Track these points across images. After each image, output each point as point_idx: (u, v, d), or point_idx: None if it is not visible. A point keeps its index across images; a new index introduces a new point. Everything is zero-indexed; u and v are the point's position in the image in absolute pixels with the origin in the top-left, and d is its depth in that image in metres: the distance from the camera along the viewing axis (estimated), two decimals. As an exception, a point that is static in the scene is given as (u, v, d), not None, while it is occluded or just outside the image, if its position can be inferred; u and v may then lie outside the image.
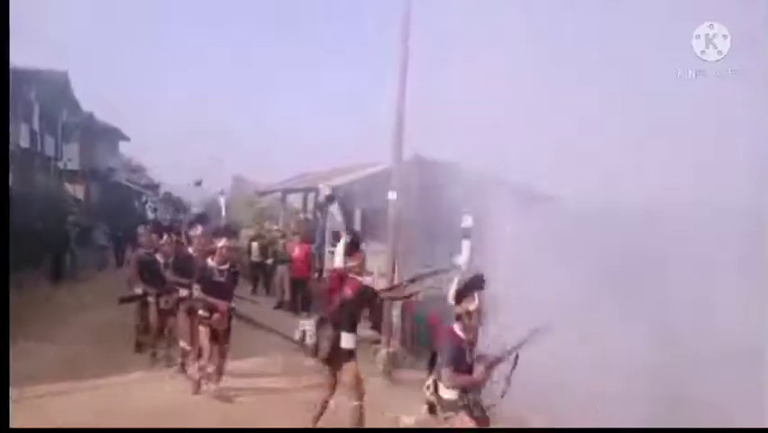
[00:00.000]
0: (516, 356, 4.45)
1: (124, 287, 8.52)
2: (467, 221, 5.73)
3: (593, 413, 6.00)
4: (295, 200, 20.13)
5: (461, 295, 4.50)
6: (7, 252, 6.46)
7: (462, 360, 4.33)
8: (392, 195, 9.59)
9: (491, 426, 4.47)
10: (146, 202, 30.99)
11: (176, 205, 33.46)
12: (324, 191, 7.34)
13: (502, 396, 4.53)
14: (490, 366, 4.43)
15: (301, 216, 18.22)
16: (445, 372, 4.23)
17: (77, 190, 24.64)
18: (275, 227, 17.22)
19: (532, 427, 6.33)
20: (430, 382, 4.48)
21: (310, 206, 17.99)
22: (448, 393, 4.34)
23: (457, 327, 4.43)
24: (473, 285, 4.51)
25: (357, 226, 14.73)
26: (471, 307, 4.39)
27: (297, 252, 13.15)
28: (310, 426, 5.36)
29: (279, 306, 13.12)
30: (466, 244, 6.34)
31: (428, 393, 4.50)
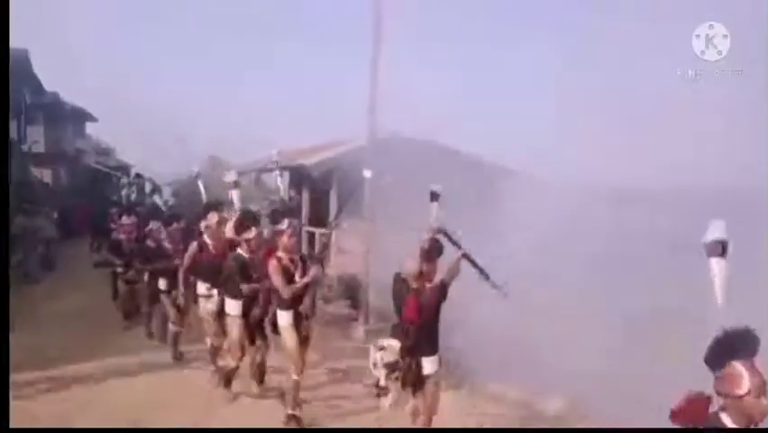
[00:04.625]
0: None
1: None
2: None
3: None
4: (269, 180, 19.82)
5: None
6: (7, 251, 6.43)
7: None
8: (367, 173, 9.49)
9: None
10: (130, 185, 30.40)
11: (152, 187, 32.70)
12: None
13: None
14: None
15: (276, 195, 18.03)
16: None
17: (44, 174, 23.93)
18: (254, 209, 16.94)
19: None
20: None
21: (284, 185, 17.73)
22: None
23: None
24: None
25: (333, 205, 14.62)
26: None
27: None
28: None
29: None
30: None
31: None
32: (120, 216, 9.67)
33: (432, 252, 4.40)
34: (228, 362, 6.21)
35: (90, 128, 31.39)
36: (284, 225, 5.54)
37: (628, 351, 6.44)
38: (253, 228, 5.84)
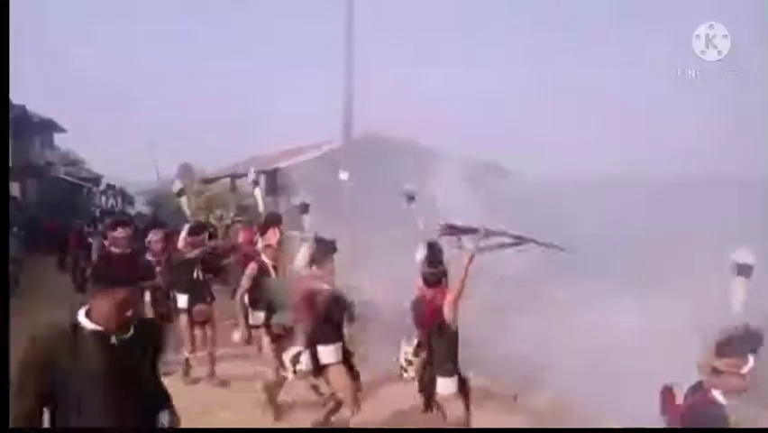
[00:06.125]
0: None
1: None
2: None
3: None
4: (247, 185, 19.54)
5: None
6: (7, 251, 5.90)
7: None
8: (344, 175, 9.28)
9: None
10: (104, 192, 29.58)
11: (123, 197, 32.19)
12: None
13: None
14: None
15: (252, 200, 17.72)
16: None
17: (12, 188, 23.25)
18: (230, 215, 16.61)
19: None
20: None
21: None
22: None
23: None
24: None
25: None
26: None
27: (241, 237, 12.65)
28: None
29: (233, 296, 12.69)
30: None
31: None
32: (114, 228, 8.69)
33: (734, 344, 3.04)
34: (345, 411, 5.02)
35: (59, 139, 30.71)
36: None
37: (629, 348, 6.33)
38: (333, 259, 4.73)
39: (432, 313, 4.09)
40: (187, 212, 7.36)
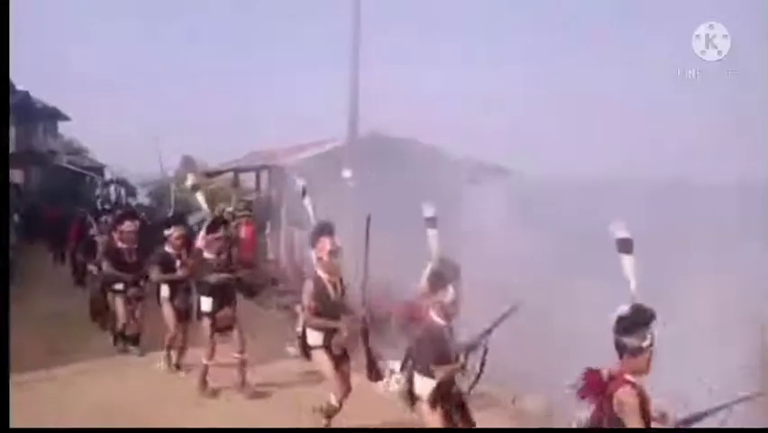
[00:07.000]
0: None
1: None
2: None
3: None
4: (248, 180, 19.56)
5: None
6: (7, 250, 5.90)
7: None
8: (347, 173, 9.32)
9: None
10: (106, 184, 29.68)
11: (126, 188, 32.22)
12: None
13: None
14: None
15: (254, 195, 17.72)
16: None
17: (15, 175, 23.34)
18: (228, 209, 16.67)
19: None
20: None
21: (264, 184, 17.47)
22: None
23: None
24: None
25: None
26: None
27: (242, 232, 12.76)
28: None
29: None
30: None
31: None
32: (121, 222, 8.07)
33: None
34: None
35: (63, 128, 30.80)
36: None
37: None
38: (454, 286, 4.02)
39: (599, 398, 3.17)
40: (204, 206, 7.28)
